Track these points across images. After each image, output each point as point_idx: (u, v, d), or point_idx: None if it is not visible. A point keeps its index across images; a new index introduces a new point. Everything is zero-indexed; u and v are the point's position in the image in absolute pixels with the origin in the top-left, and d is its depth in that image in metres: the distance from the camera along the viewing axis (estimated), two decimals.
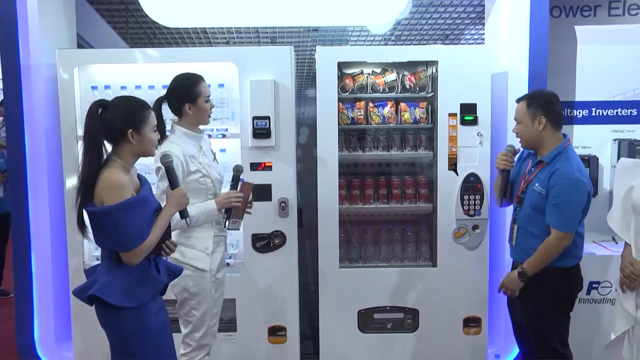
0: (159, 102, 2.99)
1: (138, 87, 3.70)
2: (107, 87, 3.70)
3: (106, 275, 2.42)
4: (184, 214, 2.66)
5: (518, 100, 3.04)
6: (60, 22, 3.93)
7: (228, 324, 3.74)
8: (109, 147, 2.48)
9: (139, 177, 2.60)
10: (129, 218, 2.34)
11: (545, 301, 2.96)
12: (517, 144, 3.10)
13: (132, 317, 2.43)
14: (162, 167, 2.66)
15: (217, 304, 3.15)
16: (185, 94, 2.97)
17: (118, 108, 2.45)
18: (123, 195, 2.34)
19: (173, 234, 2.75)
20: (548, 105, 2.94)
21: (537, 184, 2.94)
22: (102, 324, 2.49)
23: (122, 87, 3.71)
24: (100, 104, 2.43)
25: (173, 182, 2.62)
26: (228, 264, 3.29)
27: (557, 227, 2.86)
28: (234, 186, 3.07)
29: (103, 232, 2.37)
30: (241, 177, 3.12)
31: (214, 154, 3.17)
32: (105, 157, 2.44)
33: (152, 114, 2.53)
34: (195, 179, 2.94)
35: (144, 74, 3.74)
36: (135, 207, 2.37)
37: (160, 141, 2.79)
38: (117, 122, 2.41)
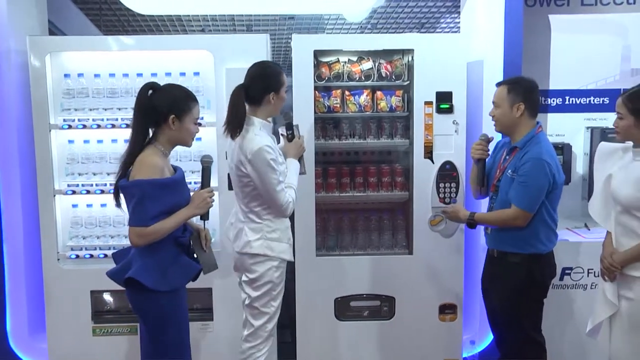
0: (240, 89, 2.82)
1: (112, 75, 3.63)
2: (80, 75, 3.64)
3: (140, 259, 2.47)
4: (203, 217, 2.65)
5: (499, 84, 3.08)
6: (31, 7, 3.85)
7: (205, 313, 3.73)
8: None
9: (173, 167, 2.67)
10: (155, 195, 2.41)
11: (518, 288, 3.00)
12: (492, 129, 3.14)
13: (166, 301, 2.49)
14: (201, 164, 2.67)
15: None
16: (273, 82, 2.86)
17: (166, 93, 2.54)
18: (154, 176, 2.42)
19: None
20: (528, 93, 2.99)
21: (509, 171, 2.99)
22: (136, 307, 2.55)
23: (96, 75, 3.64)
24: (150, 86, 2.53)
25: (204, 183, 2.65)
26: None
27: (519, 205, 2.91)
28: (292, 134, 3.05)
29: (128, 205, 2.45)
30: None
31: None
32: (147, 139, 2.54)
33: (197, 107, 2.60)
34: (282, 171, 2.88)
35: (118, 61, 3.69)
36: (163, 188, 2.45)
37: (238, 132, 2.74)
38: (162, 106, 2.50)
